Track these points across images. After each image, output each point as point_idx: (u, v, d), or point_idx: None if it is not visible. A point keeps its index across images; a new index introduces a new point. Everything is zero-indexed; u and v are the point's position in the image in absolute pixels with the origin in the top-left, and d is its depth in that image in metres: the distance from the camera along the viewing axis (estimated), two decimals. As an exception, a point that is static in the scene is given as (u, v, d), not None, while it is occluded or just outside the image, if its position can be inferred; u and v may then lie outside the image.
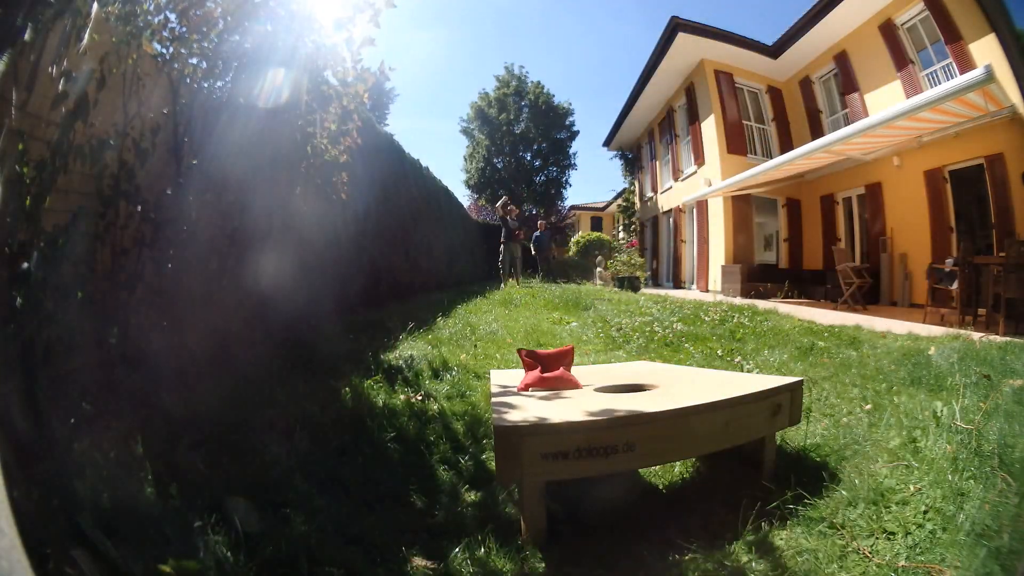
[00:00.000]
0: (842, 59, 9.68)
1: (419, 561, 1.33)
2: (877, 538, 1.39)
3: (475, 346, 3.91)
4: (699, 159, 11.95)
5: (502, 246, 10.61)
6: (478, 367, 3.22)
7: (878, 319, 5.56)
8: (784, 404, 1.81)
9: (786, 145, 10.92)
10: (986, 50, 6.70)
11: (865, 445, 1.96)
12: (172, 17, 2.02)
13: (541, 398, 1.86)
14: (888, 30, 8.53)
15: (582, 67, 42.63)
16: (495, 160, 25.14)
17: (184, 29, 2.04)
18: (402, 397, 2.48)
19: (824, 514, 1.51)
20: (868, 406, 2.45)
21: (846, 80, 9.65)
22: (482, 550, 1.39)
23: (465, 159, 25.79)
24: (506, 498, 1.70)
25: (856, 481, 1.68)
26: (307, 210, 3.16)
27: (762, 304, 6.81)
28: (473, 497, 1.70)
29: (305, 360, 2.94)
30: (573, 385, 2.03)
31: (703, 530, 1.45)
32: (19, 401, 1.23)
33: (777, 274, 10.37)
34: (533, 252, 12.70)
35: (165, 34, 2.02)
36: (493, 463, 1.66)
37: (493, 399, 1.88)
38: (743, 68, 11.42)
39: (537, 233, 13.09)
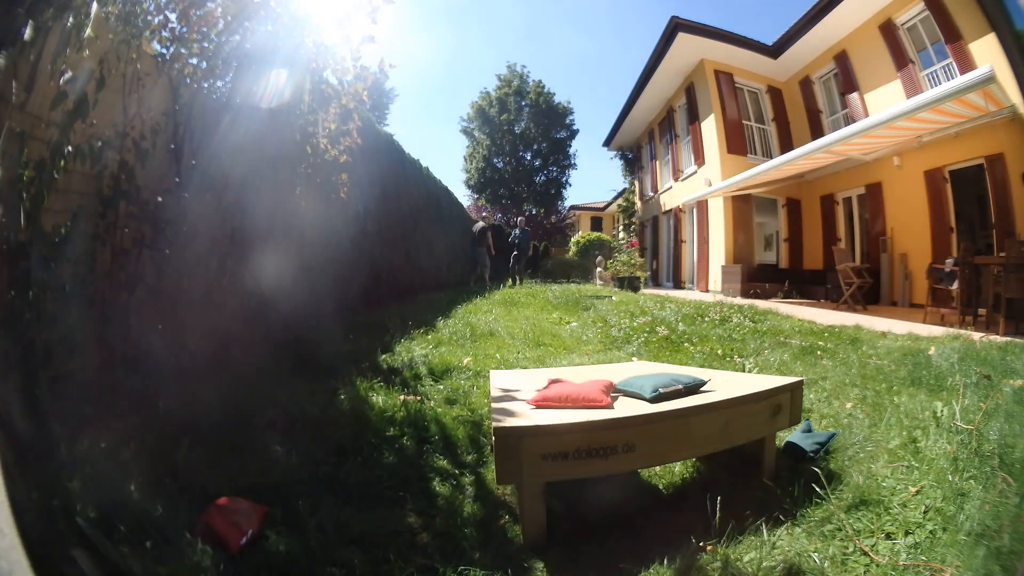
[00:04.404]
0: (842, 59, 9.68)
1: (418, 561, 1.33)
2: (878, 538, 1.39)
3: (475, 346, 3.91)
4: (699, 159, 11.95)
5: (479, 252, 10.65)
6: (478, 367, 3.22)
7: (878, 319, 5.56)
8: (784, 404, 1.81)
9: (786, 145, 10.92)
10: (986, 50, 6.70)
11: (866, 445, 1.96)
12: (172, 17, 2.02)
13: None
14: (888, 30, 8.52)
15: (582, 67, 42.60)
16: (495, 160, 25.13)
17: (184, 29, 2.04)
18: (401, 398, 2.47)
19: (825, 514, 1.51)
20: (849, 404, 2.45)
21: (846, 80, 9.65)
22: (481, 551, 1.39)
23: (465, 159, 25.78)
24: (505, 498, 1.70)
25: (857, 481, 1.68)
26: (307, 210, 3.16)
27: (762, 304, 6.81)
28: (473, 498, 1.70)
29: (305, 360, 2.94)
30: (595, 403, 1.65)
31: (703, 531, 1.45)
32: (19, 401, 1.23)
33: (777, 274, 10.37)
34: (515, 252, 11.40)
35: (165, 34, 2.03)
36: (492, 464, 1.66)
37: (493, 400, 1.88)
38: (743, 68, 11.42)
39: (516, 231, 11.64)
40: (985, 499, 1.39)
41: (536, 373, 2.60)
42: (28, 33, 1.31)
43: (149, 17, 1.95)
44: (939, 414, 1.99)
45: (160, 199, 2.03)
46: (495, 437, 1.41)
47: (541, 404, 1.68)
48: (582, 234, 18.38)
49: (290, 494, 1.51)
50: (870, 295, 7.87)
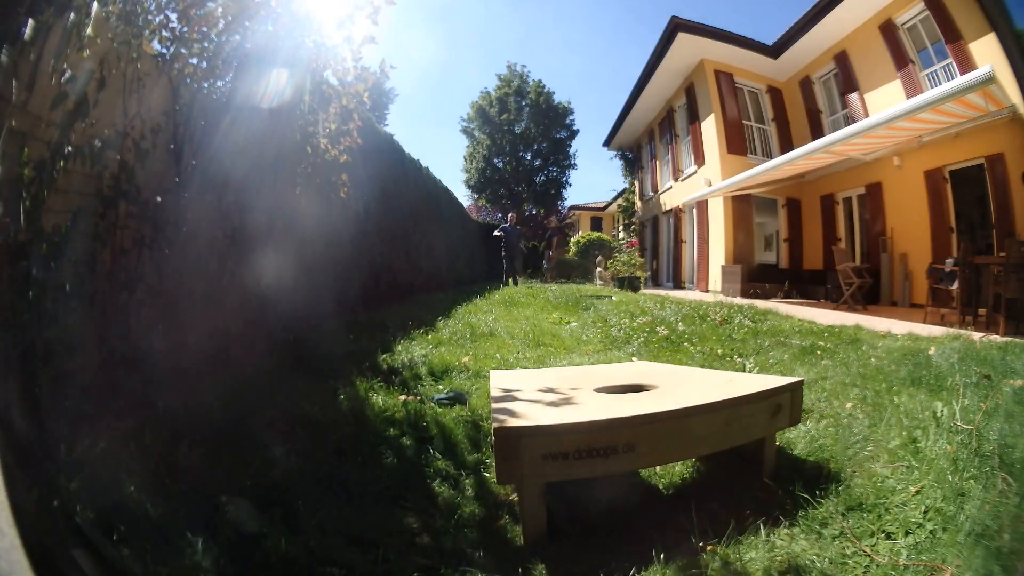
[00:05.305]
0: (842, 59, 9.68)
1: (419, 560, 1.33)
2: (878, 538, 1.39)
3: (475, 346, 3.91)
4: (699, 159, 11.95)
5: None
6: (478, 367, 3.22)
7: (878, 319, 5.56)
8: (784, 404, 1.81)
9: (786, 145, 10.92)
10: (986, 50, 6.70)
11: (866, 445, 1.96)
12: (173, 17, 2.02)
13: (541, 399, 1.85)
14: (888, 30, 8.53)
15: (582, 67, 42.63)
16: (495, 160, 25.15)
17: (185, 29, 2.04)
18: (401, 398, 2.47)
19: (825, 514, 1.51)
20: (849, 404, 2.45)
21: (846, 80, 9.65)
22: (481, 551, 1.39)
23: (465, 159, 25.80)
24: (505, 498, 1.70)
25: (857, 481, 1.68)
26: (307, 210, 3.16)
27: (762, 304, 6.81)
28: (473, 499, 1.70)
29: (305, 360, 2.94)
30: None
31: (703, 531, 1.45)
32: (19, 401, 1.23)
33: (777, 274, 10.38)
34: (502, 248, 10.84)
35: (165, 34, 2.02)
36: (493, 464, 1.66)
37: (493, 400, 1.88)
38: (743, 68, 11.42)
39: (505, 226, 10.96)
40: (985, 499, 1.39)
41: (536, 373, 2.60)
42: (28, 33, 1.31)
43: (150, 17, 1.95)
44: (939, 414, 1.99)
45: (160, 199, 2.03)
46: (495, 437, 1.41)
47: None
48: (582, 234, 18.39)
49: (290, 494, 1.51)
50: (870, 295, 7.87)
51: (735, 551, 1.37)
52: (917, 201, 8.06)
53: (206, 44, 2.13)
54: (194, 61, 2.15)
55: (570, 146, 25.88)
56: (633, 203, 18.31)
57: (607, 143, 18.80)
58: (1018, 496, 1.38)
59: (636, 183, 18.34)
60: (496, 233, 11.18)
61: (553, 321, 5.44)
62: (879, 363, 3.18)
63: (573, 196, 33.35)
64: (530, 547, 1.42)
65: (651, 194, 16.12)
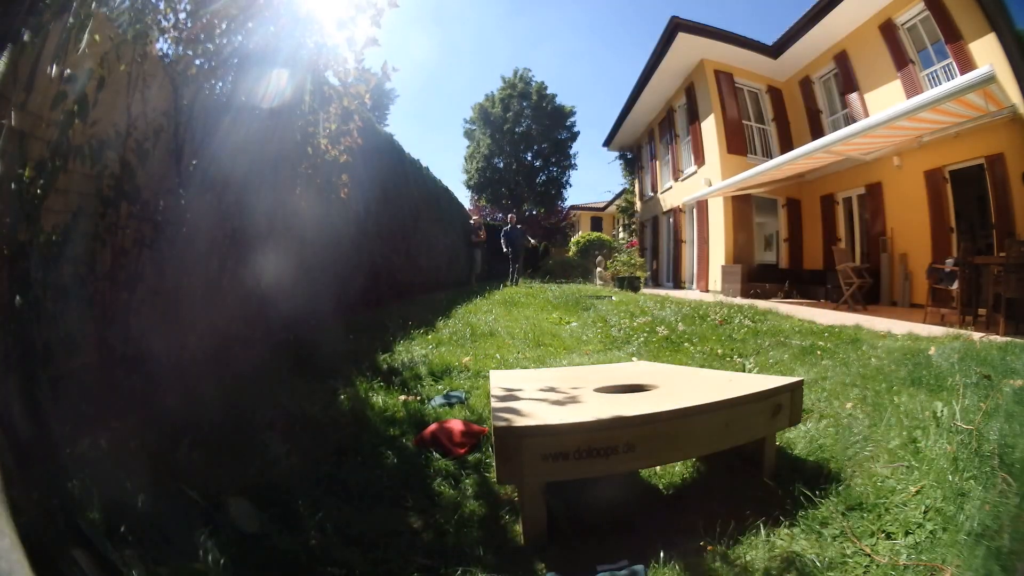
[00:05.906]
0: (842, 59, 9.68)
1: (419, 560, 1.33)
2: (878, 538, 1.39)
3: (475, 346, 3.91)
4: (699, 159, 11.95)
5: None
6: (478, 367, 3.22)
7: (878, 319, 5.56)
8: (784, 404, 1.81)
9: (786, 145, 10.92)
10: (986, 50, 6.70)
11: (866, 445, 1.96)
12: (177, 18, 2.02)
13: (541, 399, 1.85)
14: (888, 30, 8.53)
15: (582, 67, 42.67)
16: (495, 160, 25.15)
17: (188, 29, 2.04)
18: (401, 398, 2.48)
19: (825, 514, 1.51)
20: (849, 404, 2.45)
21: (846, 80, 9.65)
22: (482, 551, 1.39)
23: (465, 159, 25.82)
24: (506, 498, 1.70)
25: (857, 481, 1.68)
26: (307, 210, 3.16)
27: (762, 304, 6.81)
28: (473, 498, 1.70)
29: (305, 360, 2.94)
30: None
31: (703, 531, 1.45)
32: (19, 401, 1.23)
33: (777, 274, 10.38)
34: (505, 250, 11.37)
35: (173, 34, 2.02)
36: (493, 464, 1.66)
37: (493, 400, 1.88)
38: (743, 68, 11.42)
39: (506, 228, 11.53)
40: (985, 499, 1.39)
41: (536, 373, 2.60)
42: (28, 34, 1.31)
43: (156, 17, 1.95)
44: (939, 414, 1.99)
45: (160, 199, 2.03)
46: (496, 437, 1.41)
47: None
48: (582, 234, 18.39)
49: (290, 494, 1.51)
50: (870, 295, 7.87)
51: (735, 551, 1.37)
52: (917, 201, 8.06)
53: (208, 45, 2.13)
54: (197, 62, 2.15)
55: (571, 147, 25.91)
56: (633, 203, 18.31)
57: (607, 143, 18.80)
58: (1018, 496, 1.38)
59: (636, 183, 18.34)
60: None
61: (553, 321, 5.44)
62: (879, 363, 3.18)
63: (573, 196, 33.37)
64: (530, 547, 1.42)
65: (651, 194, 16.12)
